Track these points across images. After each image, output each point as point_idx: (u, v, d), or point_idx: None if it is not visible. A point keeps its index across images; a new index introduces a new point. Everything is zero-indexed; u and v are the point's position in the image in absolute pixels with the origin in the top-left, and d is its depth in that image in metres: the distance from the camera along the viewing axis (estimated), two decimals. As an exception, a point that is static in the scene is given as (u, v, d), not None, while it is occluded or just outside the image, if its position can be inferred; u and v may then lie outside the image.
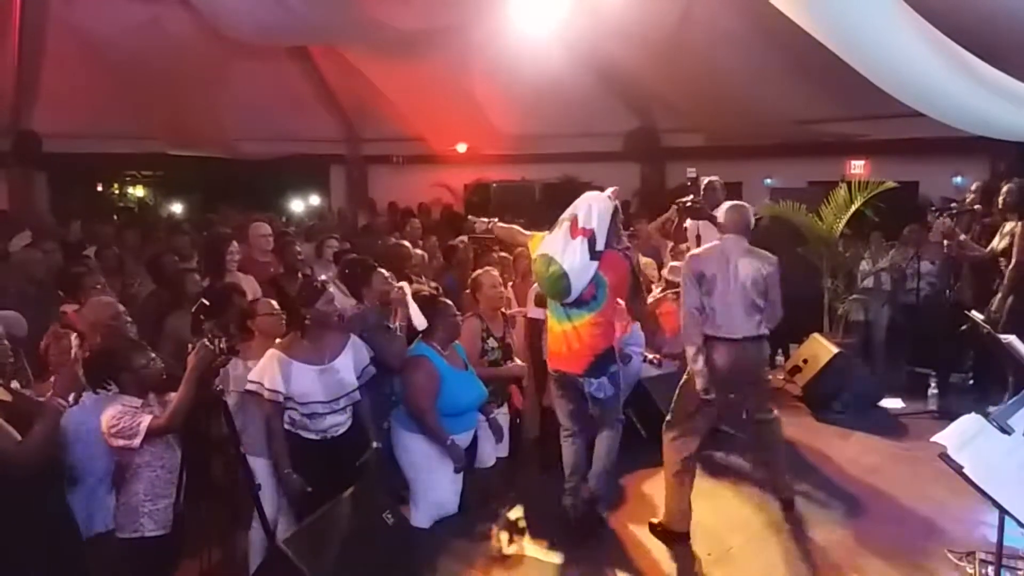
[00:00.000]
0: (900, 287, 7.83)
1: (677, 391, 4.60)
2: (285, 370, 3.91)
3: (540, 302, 5.29)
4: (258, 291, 5.51)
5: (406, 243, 6.37)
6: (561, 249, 4.15)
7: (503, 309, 5.20)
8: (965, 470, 2.74)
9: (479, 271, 5.21)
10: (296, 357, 3.97)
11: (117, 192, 17.72)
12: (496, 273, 5.17)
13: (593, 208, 4.22)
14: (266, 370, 3.91)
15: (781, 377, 7.26)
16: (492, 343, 4.92)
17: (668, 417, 4.60)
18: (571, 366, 4.39)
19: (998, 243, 6.41)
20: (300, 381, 3.93)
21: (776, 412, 4.93)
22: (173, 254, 6.52)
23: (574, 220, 4.19)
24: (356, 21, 9.77)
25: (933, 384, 6.70)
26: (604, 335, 4.39)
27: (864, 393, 6.81)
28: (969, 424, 2.94)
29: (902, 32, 4.83)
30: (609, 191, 4.39)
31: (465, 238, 7.17)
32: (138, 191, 18.05)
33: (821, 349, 6.95)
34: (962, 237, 6.69)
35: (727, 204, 4.66)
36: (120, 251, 7.11)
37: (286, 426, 3.97)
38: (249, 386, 3.93)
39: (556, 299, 4.34)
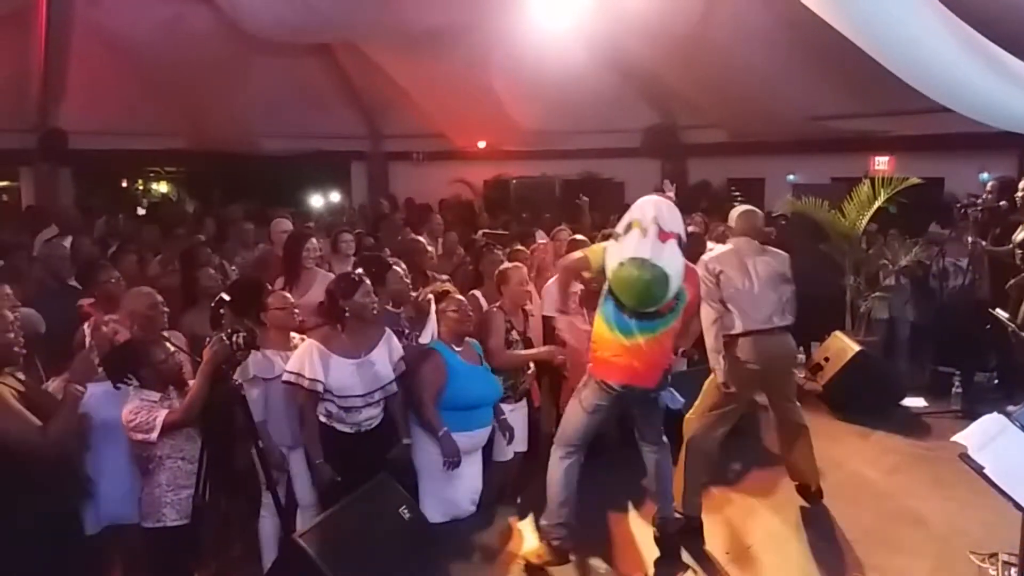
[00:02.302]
0: (923, 285, 7.73)
1: (705, 386, 4.69)
2: (325, 362, 3.93)
3: (588, 304, 5.21)
4: None
5: (421, 238, 6.37)
6: (657, 252, 3.81)
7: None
8: (986, 470, 2.70)
9: (509, 265, 5.13)
10: (334, 350, 3.98)
11: (141, 188, 17.89)
12: (524, 270, 5.12)
13: (667, 211, 3.95)
14: (305, 361, 3.92)
15: (802, 375, 7.20)
16: (515, 335, 4.90)
17: (700, 414, 4.65)
18: (644, 380, 4.08)
19: (1017, 235, 6.33)
20: (338, 374, 3.94)
21: (799, 405, 4.96)
22: (207, 248, 6.55)
23: (657, 224, 3.86)
24: (377, 18, 9.80)
25: (957, 383, 6.62)
26: (673, 346, 4.30)
27: (886, 392, 6.73)
28: (991, 424, 2.90)
29: (928, 25, 4.75)
30: (668, 191, 4.29)
31: (483, 232, 7.15)
32: (161, 187, 18.22)
33: (843, 347, 6.88)
34: (984, 243, 6.61)
35: (738, 209, 4.94)
36: (140, 247, 7.15)
37: (321, 419, 3.99)
38: (286, 377, 3.94)
39: (644, 306, 3.91)
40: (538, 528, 4.30)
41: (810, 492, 4.90)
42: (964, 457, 2.79)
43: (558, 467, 4.17)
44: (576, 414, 4.17)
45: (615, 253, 3.93)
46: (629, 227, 3.93)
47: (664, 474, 4.34)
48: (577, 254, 4.34)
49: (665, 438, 4.36)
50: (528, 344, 5.01)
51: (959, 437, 2.86)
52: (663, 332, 4.03)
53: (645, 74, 11.55)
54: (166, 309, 4.11)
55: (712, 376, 4.65)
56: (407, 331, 4.59)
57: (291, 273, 5.44)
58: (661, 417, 4.34)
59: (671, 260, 3.84)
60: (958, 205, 7.44)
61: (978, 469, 2.71)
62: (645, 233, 3.86)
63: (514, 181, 13.84)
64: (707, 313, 4.57)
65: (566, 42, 9.41)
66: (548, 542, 4.15)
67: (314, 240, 5.70)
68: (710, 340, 4.58)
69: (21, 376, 3.21)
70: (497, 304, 4.96)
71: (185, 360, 3.81)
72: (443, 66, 11.16)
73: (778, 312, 4.67)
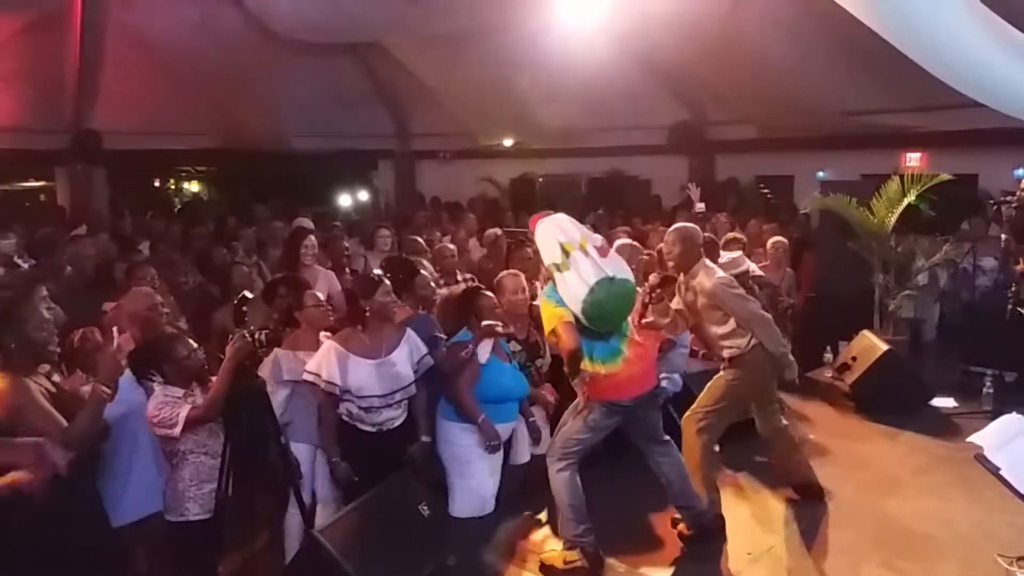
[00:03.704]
0: (955, 283, 7.59)
1: (724, 390, 4.63)
2: (343, 363, 3.95)
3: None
4: (335, 284, 5.55)
5: (419, 239, 6.43)
6: (612, 266, 3.91)
7: (534, 302, 5.16)
8: (1002, 472, 2.65)
9: (503, 273, 5.10)
10: (353, 351, 4.00)
11: (173, 187, 18.19)
12: (521, 277, 5.02)
13: (576, 227, 4.08)
14: (323, 362, 3.95)
15: (829, 375, 7.11)
16: (515, 346, 4.84)
17: (703, 412, 4.62)
18: (647, 382, 4.22)
19: None
20: (357, 375, 3.96)
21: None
22: (224, 247, 6.63)
23: (591, 242, 3.98)
24: (404, 17, 9.86)
25: (988, 383, 6.49)
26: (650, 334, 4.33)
27: (915, 391, 6.63)
28: (1008, 424, 2.85)
29: (961, 19, 4.67)
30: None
31: (499, 231, 7.17)
32: (193, 186, 18.51)
33: (871, 346, 6.78)
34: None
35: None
36: (169, 246, 7.26)
37: (344, 418, 4.03)
38: (306, 376, 3.98)
39: (621, 322, 4.09)
40: (566, 540, 4.23)
41: (811, 490, 4.90)
42: (980, 458, 2.74)
43: (562, 478, 4.20)
44: (580, 433, 4.21)
45: (574, 285, 3.85)
46: (564, 253, 3.90)
47: (680, 468, 4.35)
48: (564, 341, 3.93)
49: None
50: (534, 350, 4.96)
51: (975, 438, 2.82)
52: (628, 329, 4.12)
53: (672, 70, 11.47)
54: (166, 310, 4.18)
55: (737, 380, 4.62)
56: (444, 339, 4.53)
57: (290, 269, 5.51)
58: (660, 414, 4.41)
59: (623, 267, 3.94)
60: (991, 202, 7.30)
61: (994, 470, 2.66)
62: (586, 252, 3.88)
63: (540, 179, 13.84)
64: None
65: (592, 39, 9.38)
66: (583, 550, 4.13)
67: (312, 238, 5.78)
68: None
69: (55, 377, 3.27)
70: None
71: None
72: (470, 65, 11.20)
73: None
